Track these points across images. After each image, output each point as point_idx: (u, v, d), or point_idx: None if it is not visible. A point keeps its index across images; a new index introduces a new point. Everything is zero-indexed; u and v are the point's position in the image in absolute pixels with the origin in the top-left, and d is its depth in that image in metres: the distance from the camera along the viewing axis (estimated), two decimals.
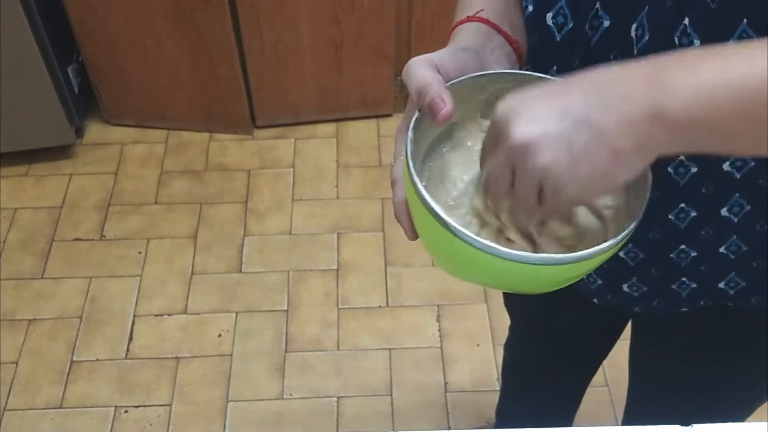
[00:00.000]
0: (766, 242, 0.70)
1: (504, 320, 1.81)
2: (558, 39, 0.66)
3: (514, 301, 1.15)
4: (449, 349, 1.76)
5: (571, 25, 0.65)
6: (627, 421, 1.11)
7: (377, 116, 2.24)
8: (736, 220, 0.68)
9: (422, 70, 0.59)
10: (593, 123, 0.48)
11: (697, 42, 0.57)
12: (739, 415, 0.94)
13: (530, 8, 0.67)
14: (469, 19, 0.66)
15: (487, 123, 0.60)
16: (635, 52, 0.61)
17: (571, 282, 0.59)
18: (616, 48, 0.63)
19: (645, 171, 0.55)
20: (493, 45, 0.65)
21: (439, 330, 1.79)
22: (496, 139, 0.52)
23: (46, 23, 1.91)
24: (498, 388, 1.68)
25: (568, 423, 1.37)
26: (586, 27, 0.64)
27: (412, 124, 0.58)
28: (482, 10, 0.66)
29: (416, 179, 0.54)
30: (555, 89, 0.51)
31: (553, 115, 0.49)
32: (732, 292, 0.75)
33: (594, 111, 0.49)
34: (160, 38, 1.99)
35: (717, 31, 0.55)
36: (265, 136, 2.21)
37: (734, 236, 0.70)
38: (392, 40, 2.06)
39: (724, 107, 0.47)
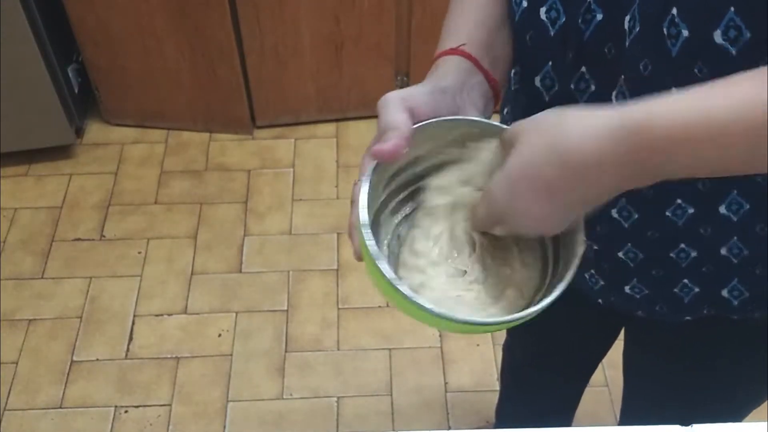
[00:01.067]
0: (767, 247, 0.69)
1: None
2: (552, 34, 0.67)
3: None
4: (449, 349, 1.76)
5: (564, 19, 0.66)
6: (624, 422, 1.11)
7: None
8: (735, 219, 0.68)
9: (394, 113, 0.62)
10: (577, 208, 0.58)
11: (685, 32, 0.57)
12: (736, 416, 0.94)
13: (524, 4, 0.68)
14: (452, 51, 0.68)
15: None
16: (627, 43, 0.62)
17: (494, 331, 0.66)
18: (609, 41, 0.64)
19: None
20: (471, 83, 0.67)
21: (439, 330, 1.79)
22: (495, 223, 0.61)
23: (46, 23, 1.91)
24: (498, 388, 1.68)
25: (567, 423, 1.37)
26: (579, 21, 0.65)
27: (371, 169, 0.62)
28: (465, 44, 0.68)
29: (370, 239, 0.61)
30: (548, 185, 0.55)
31: (556, 212, 0.58)
32: (736, 302, 0.75)
33: (583, 201, 0.57)
34: (160, 38, 1.99)
35: (704, 19, 0.56)
36: (265, 136, 2.21)
37: (735, 237, 0.69)
38: (392, 40, 2.06)
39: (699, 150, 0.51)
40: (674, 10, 0.57)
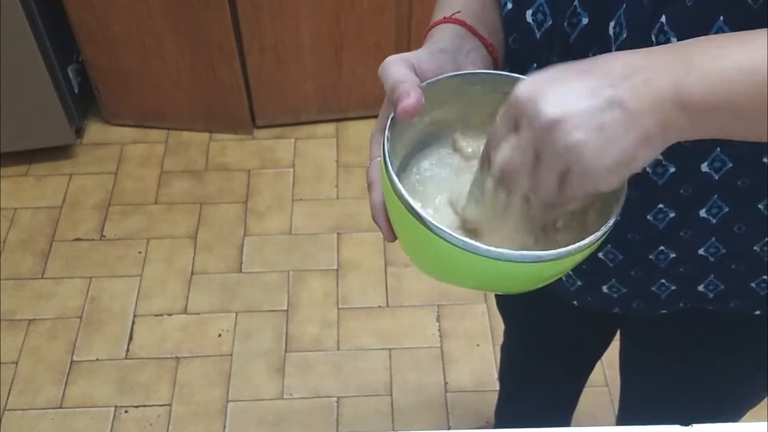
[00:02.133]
0: (744, 245, 0.70)
1: None
2: (538, 36, 0.66)
3: (506, 305, 1.15)
4: (449, 349, 1.76)
5: (551, 22, 0.65)
6: (622, 422, 1.11)
7: (377, 116, 2.24)
8: (714, 221, 0.68)
9: (397, 69, 0.58)
10: (624, 104, 0.47)
11: (674, 40, 0.57)
12: (733, 415, 0.94)
13: (509, 5, 0.67)
14: (446, 20, 0.66)
15: (462, 143, 0.62)
16: (613, 49, 0.61)
17: (555, 278, 0.58)
18: (594, 45, 0.63)
19: None
20: (468, 47, 0.64)
21: (439, 330, 1.79)
22: (515, 121, 0.49)
23: (46, 23, 1.91)
24: (498, 387, 1.69)
25: (566, 423, 1.37)
26: (565, 24, 0.64)
27: (388, 123, 0.58)
28: (459, 11, 0.66)
29: (394, 177, 0.53)
30: (581, 68, 0.49)
31: (584, 93, 0.47)
32: (711, 295, 0.75)
33: (624, 92, 0.47)
34: (160, 38, 1.99)
35: (693, 28, 0.55)
36: (265, 136, 2.21)
37: (713, 238, 0.70)
38: (392, 40, 2.06)
39: (747, 92, 0.47)
40: (663, 18, 0.57)
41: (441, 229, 0.51)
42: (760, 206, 0.66)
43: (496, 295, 1.16)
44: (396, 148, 0.61)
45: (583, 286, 0.81)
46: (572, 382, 1.27)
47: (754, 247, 0.70)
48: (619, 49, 0.60)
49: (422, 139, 0.64)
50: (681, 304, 0.78)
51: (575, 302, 0.84)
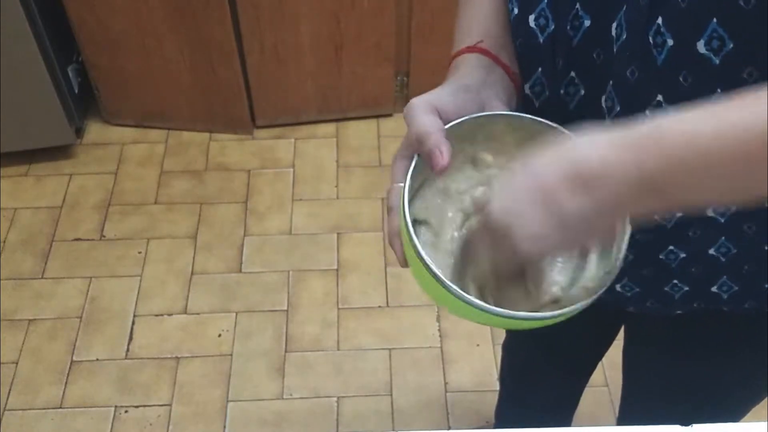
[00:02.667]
0: (755, 244, 0.70)
1: None
2: (541, 41, 0.67)
3: None
4: (449, 349, 1.76)
5: (553, 26, 0.66)
6: (621, 422, 1.11)
7: (377, 116, 2.24)
8: (722, 220, 0.68)
9: (423, 117, 0.61)
10: (593, 224, 0.55)
11: (670, 41, 0.58)
12: (735, 415, 0.94)
13: (515, 11, 0.68)
14: (470, 49, 0.68)
15: (476, 174, 0.67)
16: (615, 50, 0.62)
17: (538, 327, 0.64)
18: (597, 47, 0.64)
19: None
20: (492, 79, 0.67)
21: (439, 330, 1.79)
22: (491, 241, 0.57)
23: (46, 23, 1.90)
24: (498, 387, 1.69)
25: (567, 423, 1.37)
26: (568, 27, 0.65)
27: (410, 173, 0.61)
28: (482, 40, 0.68)
29: (415, 240, 0.58)
30: (547, 199, 0.53)
31: (555, 230, 0.54)
32: (725, 296, 0.75)
33: (595, 216, 0.54)
34: (160, 38, 1.99)
35: (688, 29, 0.57)
36: (265, 136, 2.21)
37: (723, 237, 0.70)
38: (392, 40, 2.06)
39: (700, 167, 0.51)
40: (659, 20, 0.58)
41: (456, 289, 0.57)
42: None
43: None
44: (414, 182, 0.64)
45: None
46: (573, 381, 1.27)
47: (765, 247, 0.70)
48: (620, 49, 0.61)
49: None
50: (695, 305, 0.78)
51: None
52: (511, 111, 0.66)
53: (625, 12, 0.60)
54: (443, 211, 0.66)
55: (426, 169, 0.63)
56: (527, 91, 0.71)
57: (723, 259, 0.72)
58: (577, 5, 0.64)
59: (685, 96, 0.59)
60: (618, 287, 0.79)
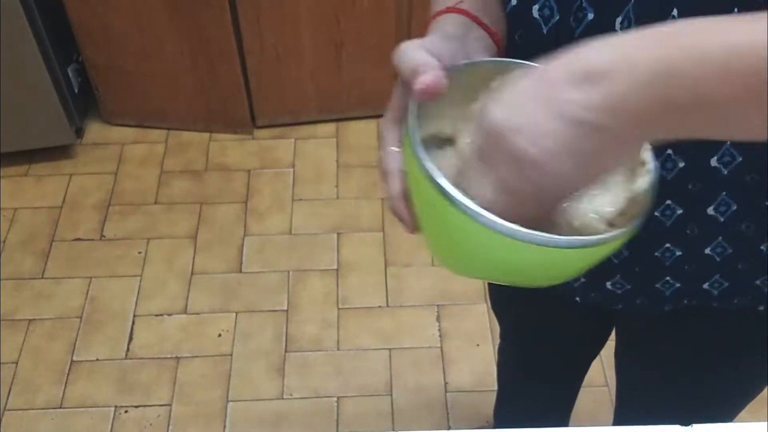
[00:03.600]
0: (751, 244, 0.70)
1: None
2: (545, 32, 0.65)
3: (501, 304, 1.15)
4: (449, 349, 1.76)
5: (557, 17, 0.64)
6: (617, 421, 1.11)
7: (377, 116, 2.24)
8: (722, 219, 0.68)
9: (418, 53, 0.56)
10: (603, 131, 0.45)
11: None
12: (729, 413, 0.94)
13: (513, 2, 0.66)
14: (449, 9, 0.64)
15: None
16: None
17: (581, 272, 0.55)
18: None
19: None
20: (474, 36, 0.63)
21: (439, 330, 1.79)
22: (489, 152, 0.48)
23: (46, 23, 1.90)
24: (498, 387, 1.69)
25: (564, 423, 1.37)
26: (571, 19, 0.63)
27: (413, 112, 0.53)
28: (462, 1, 0.64)
29: (423, 155, 0.49)
30: (550, 92, 0.46)
31: (558, 126, 0.45)
32: (716, 292, 0.75)
33: (603, 115, 0.45)
34: (160, 38, 1.99)
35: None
36: (265, 136, 2.21)
37: (720, 237, 0.70)
38: (392, 40, 2.06)
39: (726, 85, 0.43)
40: (675, 11, 0.56)
41: (477, 212, 0.47)
42: (767, 204, 0.66)
43: (491, 296, 1.16)
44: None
45: (587, 282, 0.80)
46: (568, 381, 1.27)
47: (761, 247, 0.70)
48: None
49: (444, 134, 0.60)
50: (685, 301, 0.78)
51: (578, 299, 0.84)
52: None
53: (635, 5, 0.58)
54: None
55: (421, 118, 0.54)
56: None
57: (717, 259, 0.72)
58: None
59: None
60: (608, 285, 0.79)
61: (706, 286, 0.75)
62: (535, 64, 0.54)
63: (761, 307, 0.76)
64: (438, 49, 0.57)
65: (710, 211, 0.68)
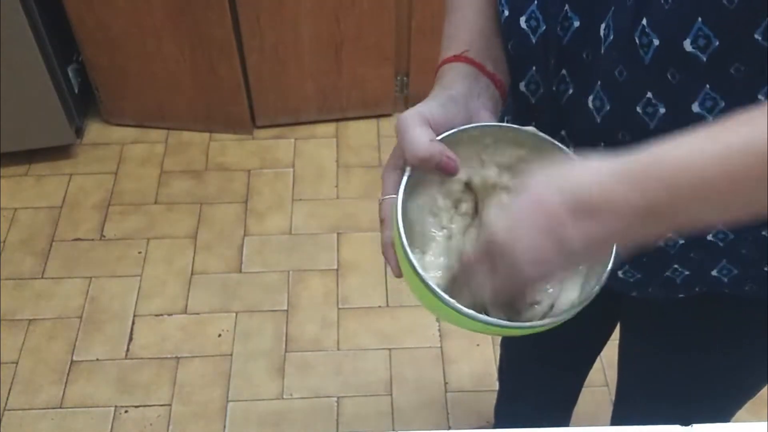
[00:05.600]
0: (751, 229, 0.70)
1: None
2: (534, 41, 0.68)
3: None
4: (449, 349, 1.76)
5: (544, 27, 0.67)
6: (616, 419, 1.11)
7: (377, 116, 2.24)
8: None
9: (418, 132, 0.62)
10: (593, 252, 0.56)
11: (656, 41, 0.59)
12: (731, 408, 0.94)
13: (506, 13, 0.69)
14: (456, 58, 0.69)
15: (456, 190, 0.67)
16: (602, 50, 0.63)
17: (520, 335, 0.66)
18: (587, 47, 0.65)
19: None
20: (479, 89, 0.68)
21: (439, 330, 1.79)
22: (493, 265, 0.57)
23: (46, 23, 1.91)
24: (498, 387, 1.69)
25: (566, 421, 1.37)
26: (558, 28, 0.66)
27: (402, 185, 0.61)
28: (468, 50, 0.69)
29: (410, 254, 0.60)
30: (551, 225, 0.53)
31: (558, 255, 0.54)
32: (726, 279, 0.76)
33: (597, 244, 0.54)
34: (160, 38, 1.99)
35: (674, 29, 0.57)
36: (265, 136, 2.21)
37: (719, 224, 0.70)
38: (392, 40, 2.06)
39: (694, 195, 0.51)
40: (644, 21, 0.59)
41: (451, 302, 0.60)
42: None
43: None
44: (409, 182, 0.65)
45: None
46: (570, 377, 1.27)
47: (763, 232, 0.70)
48: (608, 50, 0.63)
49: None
50: (697, 289, 0.78)
51: None
52: (497, 121, 0.67)
53: (613, 13, 0.61)
54: (426, 225, 0.67)
55: (415, 182, 0.64)
56: (522, 88, 0.72)
57: (721, 244, 0.72)
58: (566, 6, 0.65)
59: (675, 92, 0.60)
60: (620, 273, 0.80)
61: (714, 273, 0.75)
62: (526, 128, 0.64)
63: None
64: (436, 117, 0.63)
65: None
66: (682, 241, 0.73)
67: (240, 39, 2.00)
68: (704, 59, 0.57)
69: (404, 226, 0.61)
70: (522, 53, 0.70)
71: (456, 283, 0.64)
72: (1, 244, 1.96)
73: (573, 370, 1.25)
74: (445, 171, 0.62)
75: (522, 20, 0.68)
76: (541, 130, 0.65)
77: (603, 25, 0.63)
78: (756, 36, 0.55)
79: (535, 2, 0.67)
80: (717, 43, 0.56)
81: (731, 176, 0.50)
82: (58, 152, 2.13)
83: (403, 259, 0.61)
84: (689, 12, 0.56)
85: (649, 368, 0.96)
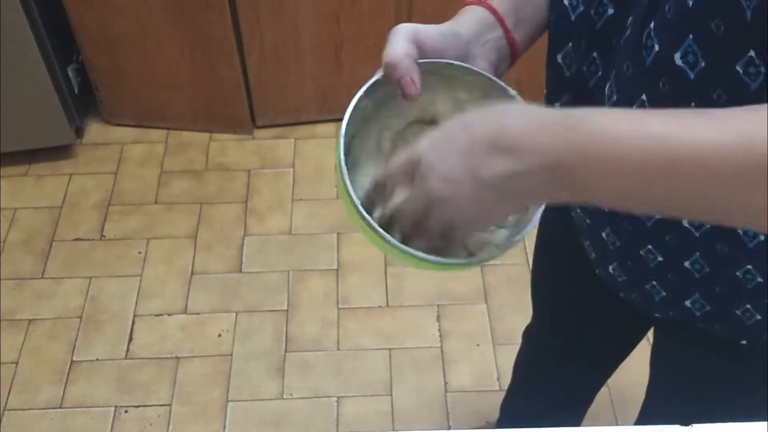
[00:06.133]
0: (726, 268, 0.70)
1: (504, 320, 1.81)
2: (572, 19, 0.70)
3: (540, 289, 1.14)
4: (449, 349, 1.76)
5: (582, 8, 0.69)
6: (641, 420, 1.10)
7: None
8: (697, 234, 0.69)
9: (399, 42, 0.64)
10: (502, 193, 0.54)
11: (656, 46, 0.60)
12: (760, 410, 0.93)
13: None
14: (479, 2, 0.70)
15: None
16: (621, 41, 0.65)
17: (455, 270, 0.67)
18: (616, 35, 0.67)
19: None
20: (488, 37, 0.69)
21: (439, 330, 1.79)
22: (412, 175, 0.58)
23: (46, 23, 1.91)
24: (498, 387, 1.69)
25: (578, 421, 1.35)
26: (592, 12, 0.68)
27: (364, 88, 0.66)
28: None
29: (344, 168, 0.61)
30: (470, 148, 0.54)
31: (468, 179, 0.54)
32: (698, 313, 0.76)
33: (505, 182, 0.53)
34: (160, 38, 1.99)
35: (670, 40, 0.59)
36: (265, 136, 2.21)
37: (697, 253, 0.71)
38: None
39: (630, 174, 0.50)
40: (652, 24, 0.60)
41: (369, 220, 0.60)
42: (739, 230, 0.67)
43: (533, 278, 1.14)
44: (373, 97, 0.68)
45: (629, 280, 0.82)
46: (592, 378, 1.25)
47: (737, 273, 0.70)
48: (623, 43, 0.65)
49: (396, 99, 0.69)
50: (671, 314, 0.79)
51: (622, 294, 0.85)
52: (492, 71, 0.69)
53: (635, 9, 0.63)
54: (381, 139, 0.70)
55: (383, 88, 0.66)
56: (559, 60, 0.74)
57: (697, 275, 0.73)
58: None
59: (664, 101, 0.61)
60: (610, 269, 0.81)
61: (688, 303, 0.76)
62: (498, 81, 0.65)
63: (743, 342, 0.76)
64: (428, 39, 0.65)
65: (685, 223, 0.69)
66: (660, 258, 0.73)
67: (240, 39, 2.00)
68: (692, 76, 0.58)
69: (362, 134, 0.65)
70: (561, 28, 0.72)
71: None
72: (1, 244, 1.96)
73: (595, 372, 1.23)
74: (403, 90, 0.64)
75: None
76: (568, 106, 0.67)
77: (630, 18, 0.64)
78: (737, 68, 0.56)
79: None
80: (703, 63, 0.57)
81: (641, 167, 0.49)
82: (58, 152, 2.13)
83: (337, 169, 0.62)
84: (683, 27, 0.57)
85: (680, 369, 0.96)
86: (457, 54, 0.66)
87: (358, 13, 1.98)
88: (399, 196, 0.59)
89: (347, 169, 0.61)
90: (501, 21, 0.70)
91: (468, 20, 0.69)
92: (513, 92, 0.66)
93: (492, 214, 0.57)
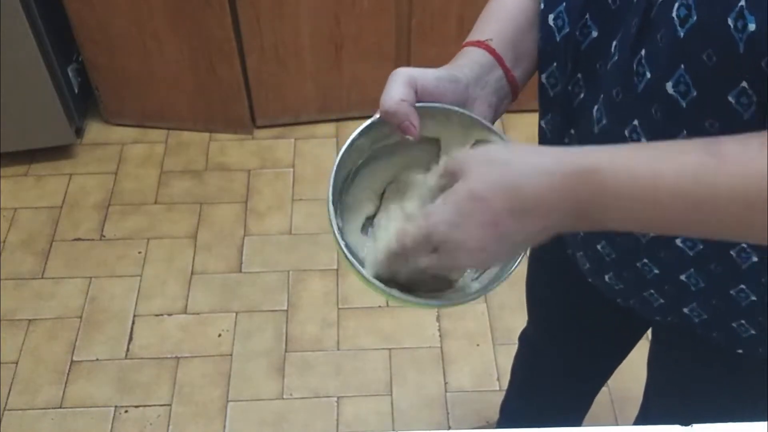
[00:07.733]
0: (720, 286, 0.71)
1: (504, 320, 1.81)
2: (558, 39, 0.70)
3: (534, 297, 1.14)
4: (449, 349, 1.76)
5: (568, 30, 0.69)
6: (639, 421, 1.10)
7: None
8: (691, 253, 0.70)
9: (396, 88, 0.64)
10: (528, 242, 0.58)
11: (648, 74, 0.60)
12: (759, 414, 0.93)
13: (542, 5, 0.71)
14: (477, 44, 0.70)
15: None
16: (608, 66, 0.65)
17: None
18: (600, 58, 0.67)
19: None
20: (487, 78, 0.69)
21: (439, 330, 1.79)
22: (431, 248, 0.59)
23: (46, 23, 1.91)
24: (498, 387, 1.69)
25: (578, 422, 1.35)
26: (577, 33, 0.68)
27: (360, 129, 0.66)
28: (491, 39, 0.70)
29: (333, 216, 0.66)
30: (494, 221, 0.56)
31: (503, 246, 0.57)
32: (696, 320, 0.76)
33: (536, 237, 0.57)
34: (160, 38, 1.99)
35: (662, 68, 0.59)
36: (265, 136, 2.21)
37: (692, 269, 0.71)
38: (392, 40, 2.06)
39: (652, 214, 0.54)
40: (643, 51, 0.61)
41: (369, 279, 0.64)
42: (732, 252, 0.68)
43: (528, 282, 1.14)
44: (367, 140, 0.68)
45: (590, 268, 0.83)
46: (592, 381, 1.25)
47: (731, 291, 0.71)
48: (611, 68, 0.65)
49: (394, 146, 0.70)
50: (669, 319, 0.79)
51: (619, 300, 0.85)
52: (492, 113, 0.69)
53: (621, 35, 0.63)
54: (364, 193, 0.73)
55: (377, 132, 0.66)
56: (543, 80, 0.74)
57: (693, 288, 0.73)
58: (587, 15, 0.67)
59: (656, 127, 0.62)
60: (606, 278, 0.81)
61: (686, 310, 0.76)
62: (484, 122, 0.66)
63: (739, 351, 0.77)
64: (428, 85, 0.65)
65: (678, 242, 0.70)
66: (656, 271, 0.74)
67: (240, 39, 2.00)
68: (683, 105, 0.59)
69: (360, 175, 0.67)
70: (547, 48, 0.72)
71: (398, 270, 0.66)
72: (1, 244, 1.96)
73: (593, 375, 1.23)
74: (404, 132, 0.64)
75: (551, 17, 0.70)
76: (553, 126, 0.69)
77: (614, 43, 0.64)
78: (730, 98, 0.56)
79: (564, 3, 0.69)
80: (695, 93, 0.58)
81: (655, 194, 0.52)
82: (58, 152, 2.13)
83: (330, 221, 0.66)
84: (675, 56, 0.58)
85: (678, 372, 0.96)
86: (454, 99, 0.66)
87: (358, 13, 1.98)
88: (421, 263, 0.61)
89: (344, 207, 0.65)
90: (500, 61, 0.70)
91: (466, 63, 0.69)
92: (506, 138, 0.66)
93: (507, 257, 0.62)
